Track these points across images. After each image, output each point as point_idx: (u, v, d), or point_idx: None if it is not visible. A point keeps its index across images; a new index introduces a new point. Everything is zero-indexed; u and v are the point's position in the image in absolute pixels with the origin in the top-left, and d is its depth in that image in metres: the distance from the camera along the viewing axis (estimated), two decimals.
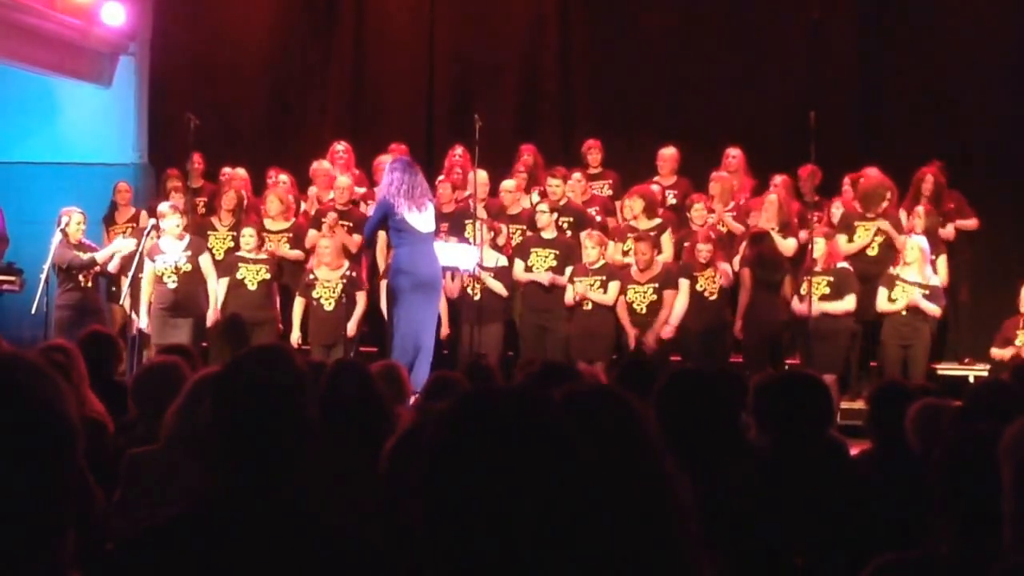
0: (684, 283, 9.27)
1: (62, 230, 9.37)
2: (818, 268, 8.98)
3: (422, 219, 8.36)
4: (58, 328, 9.04)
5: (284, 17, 12.59)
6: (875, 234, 9.37)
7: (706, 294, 9.25)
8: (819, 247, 8.99)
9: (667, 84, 11.75)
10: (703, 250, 9.18)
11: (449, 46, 12.34)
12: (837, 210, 9.63)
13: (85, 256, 9.34)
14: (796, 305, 9.07)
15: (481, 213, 9.82)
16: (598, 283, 9.33)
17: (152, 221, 9.76)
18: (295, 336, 9.53)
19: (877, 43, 11.31)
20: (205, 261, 9.38)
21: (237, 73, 12.54)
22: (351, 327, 9.48)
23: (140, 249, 9.31)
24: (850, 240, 9.45)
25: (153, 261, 9.23)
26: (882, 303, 9.02)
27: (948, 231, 9.71)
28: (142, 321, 9.17)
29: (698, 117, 11.48)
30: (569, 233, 9.80)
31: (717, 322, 9.24)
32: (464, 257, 8.99)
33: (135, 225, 10.39)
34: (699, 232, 9.41)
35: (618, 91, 11.84)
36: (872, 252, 9.36)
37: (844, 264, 9.14)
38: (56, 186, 11.69)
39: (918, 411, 3.95)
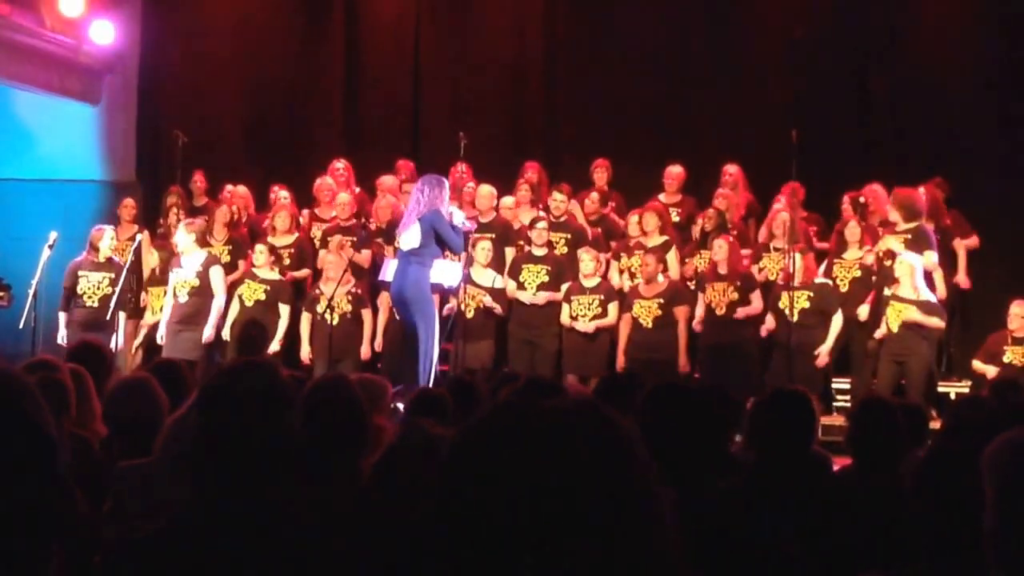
0: (700, 296, 9.34)
1: (93, 247, 9.51)
2: (795, 283, 8.97)
3: (403, 237, 8.43)
4: (68, 345, 9.10)
5: (274, 34, 12.61)
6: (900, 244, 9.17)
7: (713, 305, 9.24)
8: (796, 263, 8.94)
9: (658, 103, 11.76)
10: (718, 246, 9.16)
11: (439, 60, 12.36)
12: (853, 231, 9.53)
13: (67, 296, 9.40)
14: (770, 323, 9.12)
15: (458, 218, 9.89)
16: (597, 302, 9.36)
17: (140, 238, 9.79)
18: (305, 351, 9.58)
19: (872, 59, 11.37)
20: (215, 275, 9.32)
21: (226, 90, 12.54)
22: (364, 349, 9.56)
23: (127, 265, 9.38)
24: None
25: (173, 273, 9.30)
26: (880, 328, 8.91)
27: (960, 263, 9.68)
28: (162, 329, 9.29)
29: (693, 136, 11.52)
30: (567, 250, 9.83)
31: (732, 337, 9.14)
32: (447, 274, 9.01)
33: (133, 242, 10.43)
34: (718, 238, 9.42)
35: (608, 110, 11.85)
36: (888, 262, 9.13)
37: (822, 279, 9.19)
38: (45, 203, 11.71)
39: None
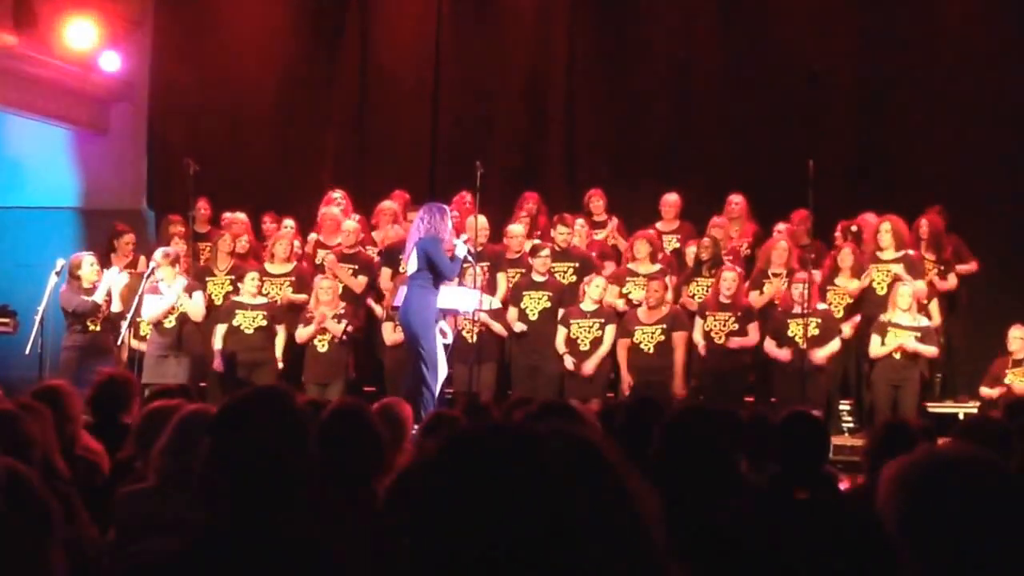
0: (698, 322, 9.37)
1: (72, 275, 9.41)
2: (797, 310, 9.10)
3: (408, 262, 8.62)
4: (64, 369, 9.07)
5: (284, 61, 12.66)
6: (888, 275, 9.39)
7: (713, 334, 9.30)
8: (804, 291, 9.08)
9: (669, 132, 11.83)
10: (728, 278, 9.21)
11: (453, 92, 12.41)
12: (846, 258, 9.62)
13: (89, 300, 9.36)
14: (773, 349, 9.21)
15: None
16: (597, 325, 9.40)
17: (152, 264, 9.82)
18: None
19: (874, 91, 11.44)
20: (197, 298, 9.46)
21: (236, 118, 12.60)
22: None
23: (141, 292, 9.40)
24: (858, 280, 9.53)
25: (157, 298, 9.40)
26: (875, 349, 9.12)
27: (951, 282, 9.79)
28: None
29: (700, 164, 11.58)
30: (574, 279, 9.87)
31: (731, 365, 9.23)
32: (464, 300, 9.07)
33: (133, 271, 10.44)
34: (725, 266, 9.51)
35: (621, 138, 11.93)
36: (881, 292, 9.35)
37: (824, 306, 9.30)
38: (53, 231, 11.76)
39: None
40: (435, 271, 8.39)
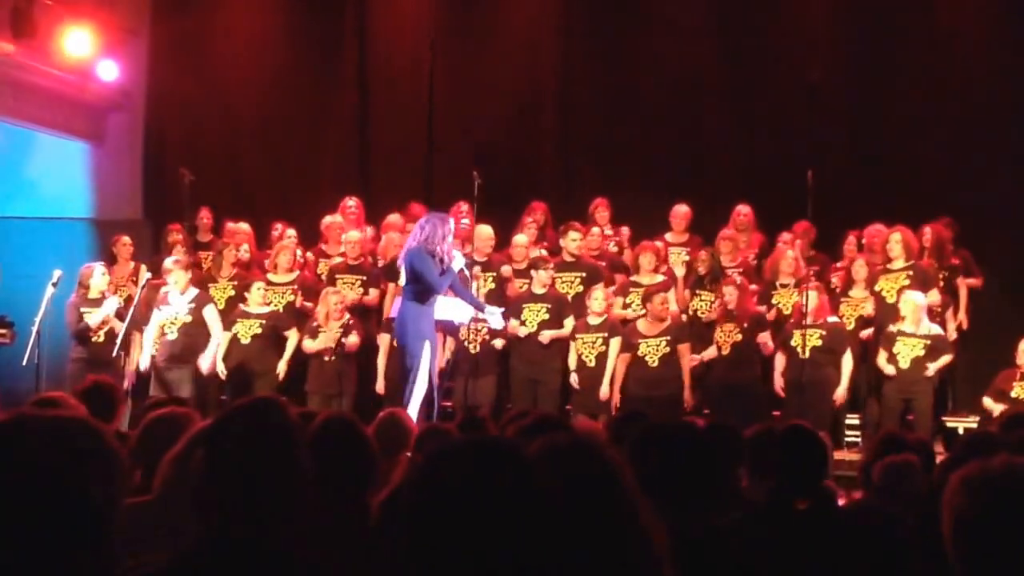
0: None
1: (82, 284, 9.49)
2: (807, 322, 9.01)
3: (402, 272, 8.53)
4: (71, 380, 9.08)
5: (281, 71, 12.66)
6: (896, 283, 9.39)
7: (720, 345, 9.27)
8: (811, 301, 9.01)
9: (671, 143, 11.83)
10: (728, 292, 9.21)
11: (452, 100, 12.38)
12: (860, 269, 9.63)
13: (81, 324, 9.41)
14: (780, 364, 9.19)
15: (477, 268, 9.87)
16: (600, 340, 9.37)
17: (148, 275, 9.80)
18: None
19: (875, 103, 11.45)
20: (210, 313, 9.43)
21: (233, 127, 12.61)
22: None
23: (136, 302, 9.37)
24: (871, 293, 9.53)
25: (160, 310, 9.36)
26: (881, 362, 9.04)
27: (961, 302, 9.79)
28: (144, 361, 9.33)
29: (704, 175, 11.58)
30: (582, 289, 9.83)
31: (738, 376, 9.19)
32: (459, 310, 9.03)
33: (134, 279, 10.43)
34: (727, 279, 9.48)
35: (620, 150, 11.92)
36: (891, 300, 9.32)
37: (834, 318, 9.23)
38: (50, 241, 11.74)
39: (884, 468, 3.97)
40: (422, 283, 8.25)
